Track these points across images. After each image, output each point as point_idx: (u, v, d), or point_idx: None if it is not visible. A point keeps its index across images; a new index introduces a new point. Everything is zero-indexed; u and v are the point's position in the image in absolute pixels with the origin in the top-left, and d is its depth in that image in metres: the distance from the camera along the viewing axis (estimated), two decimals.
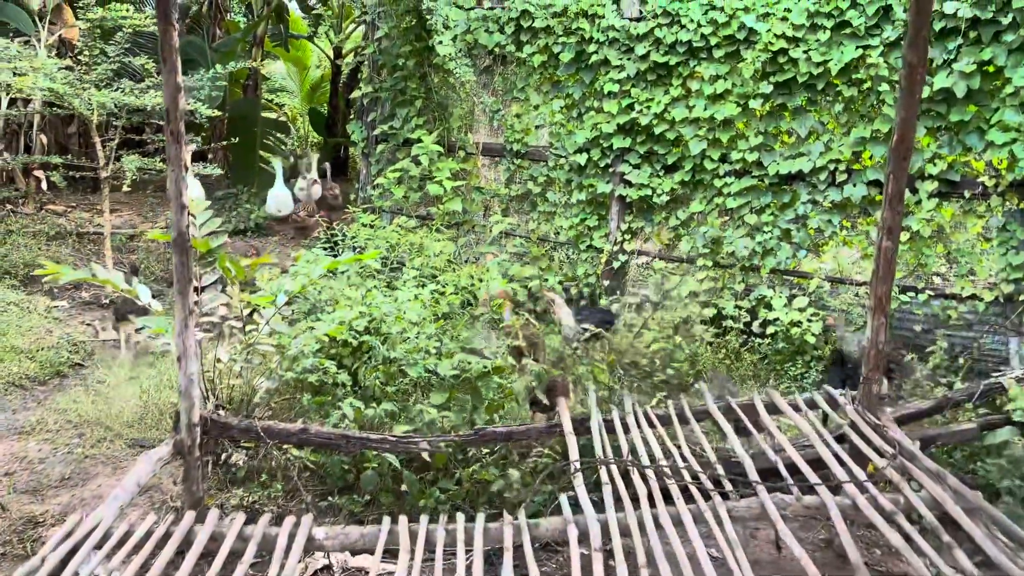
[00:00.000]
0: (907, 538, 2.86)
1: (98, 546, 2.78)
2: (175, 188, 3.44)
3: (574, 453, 3.54)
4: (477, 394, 4.45)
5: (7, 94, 8.71)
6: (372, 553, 2.98)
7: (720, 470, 3.31)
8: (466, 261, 7.83)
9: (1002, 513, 3.00)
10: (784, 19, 6.22)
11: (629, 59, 7.02)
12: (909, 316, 5.89)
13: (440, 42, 7.73)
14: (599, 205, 7.44)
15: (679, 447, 3.68)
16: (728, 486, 3.16)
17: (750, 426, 3.92)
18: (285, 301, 4.54)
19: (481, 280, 6.15)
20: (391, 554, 3.06)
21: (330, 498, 4.06)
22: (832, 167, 6.18)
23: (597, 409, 3.99)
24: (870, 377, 3.75)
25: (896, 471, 3.26)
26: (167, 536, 2.88)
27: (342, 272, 6.18)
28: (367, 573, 3.37)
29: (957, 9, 5.56)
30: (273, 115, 15.23)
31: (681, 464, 3.40)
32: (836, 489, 3.18)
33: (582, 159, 7.35)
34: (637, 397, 4.76)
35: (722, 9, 6.50)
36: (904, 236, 5.86)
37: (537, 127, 7.89)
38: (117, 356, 6.15)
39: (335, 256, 6.76)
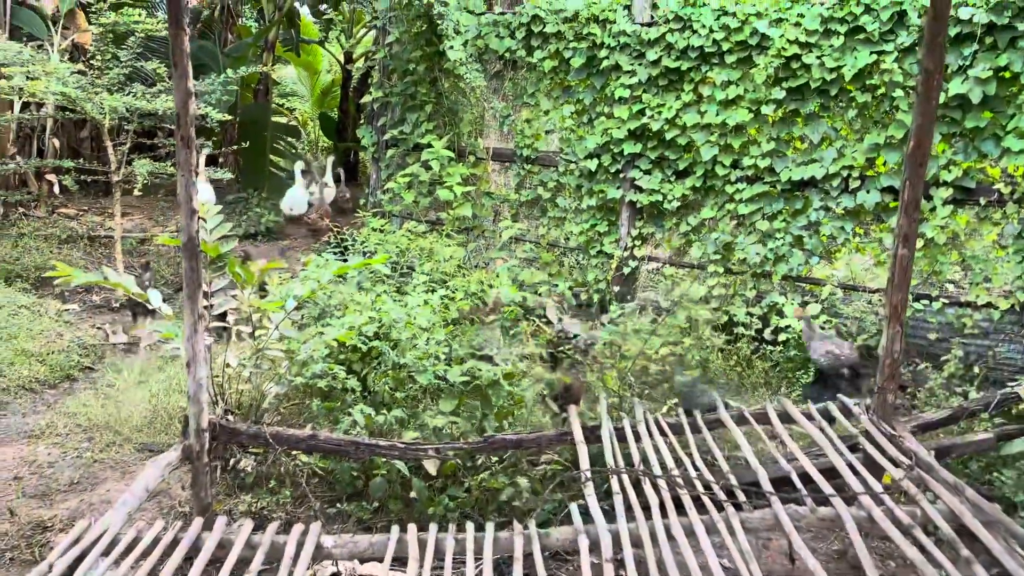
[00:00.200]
0: (924, 551, 2.82)
1: (106, 552, 2.76)
2: (185, 193, 3.44)
3: (585, 462, 3.51)
4: (487, 401, 4.42)
5: (20, 98, 8.75)
6: (381, 562, 2.96)
7: (733, 480, 3.27)
8: (475, 266, 7.81)
9: (1020, 526, 2.95)
10: (797, 25, 6.18)
11: (640, 64, 6.99)
12: (923, 324, 5.83)
13: (451, 47, 7.73)
14: (609, 211, 7.40)
15: (691, 456, 3.65)
16: (741, 497, 3.12)
17: (763, 435, 3.88)
18: (295, 306, 4.52)
19: (492, 286, 6.12)
20: (400, 562, 3.03)
21: (339, 505, 4.04)
22: (845, 173, 6.13)
23: (608, 417, 3.95)
24: (885, 387, 3.70)
25: (912, 482, 3.21)
26: (175, 543, 2.86)
27: (352, 277, 6.17)
28: None
29: (973, 15, 5.50)
30: (284, 119, 15.26)
31: (693, 474, 3.36)
32: (851, 500, 3.14)
33: (592, 164, 7.32)
34: (647, 404, 4.72)
35: (734, 15, 6.47)
36: (918, 243, 5.80)
37: (547, 132, 7.87)
38: (127, 359, 6.15)
39: (345, 260, 6.76)
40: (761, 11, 6.36)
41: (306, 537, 2.96)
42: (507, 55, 7.88)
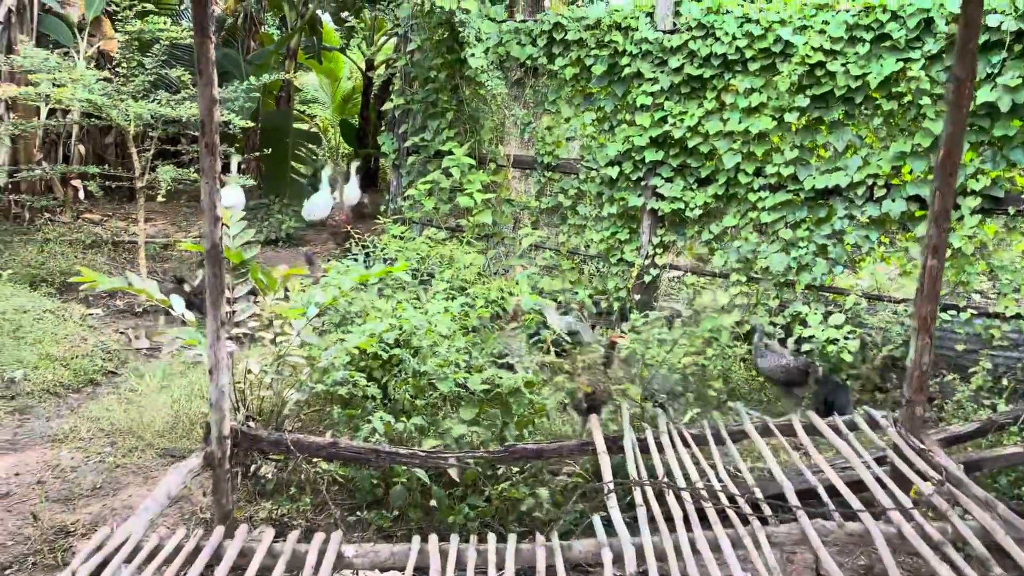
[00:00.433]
0: (954, 568, 2.75)
1: (128, 559, 2.76)
2: (209, 200, 3.45)
3: (607, 473, 3.47)
4: (507, 409, 4.40)
5: (47, 105, 8.86)
6: (402, 571, 2.93)
7: (758, 493, 3.22)
8: (495, 273, 7.80)
9: None
10: (822, 32, 6.13)
11: (663, 72, 6.96)
12: (950, 335, 5.74)
13: (472, 55, 7.73)
14: (630, 218, 7.37)
15: (714, 467, 3.60)
16: (767, 510, 3.07)
17: (786, 446, 3.82)
18: (316, 313, 4.53)
19: (512, 294, 6.10)
20: (421, 572, 3.01)
21: (359, 513, 4.03)
22: (870, 182, 6.05)
23: (630, 428, 3.91)
24: (913, 399, 3.64)
25: (942, 498, 3.14)
26: (197, 551, 2.86)
27: (372, 283, 6.18)
28: None
29: (1001, 22, 5.43)
30: (305, 126, 15.37)
31: (718, 486, 3.32)
32: (879, 515, 3.08)
33: (614, 172, 7.29)
34: (668, 414, 4.68)
35: (758, 22, 6.42)
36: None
37: (568, 139, 7.85)
38: (149, 364, 6.19)
39: (367, 267, 6.77)
40: (785, 18, 6.31)
41: (327, 546, 2.95)
42: (528, 62, 7.87)
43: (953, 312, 5.75)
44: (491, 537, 3.07)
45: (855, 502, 3.12)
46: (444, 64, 8.27)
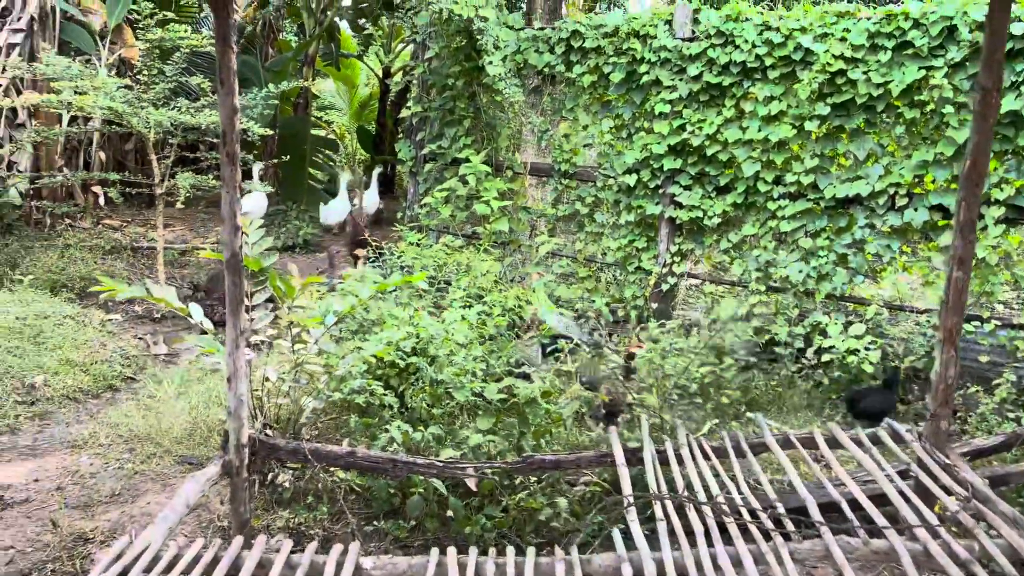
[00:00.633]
0: None
1: (147, 570, 2.76)
2: (229, 209, 3.45)
3: (627, 486, 3.44)
4: (524, 419, 4.38)
5: (68, 112, 8.95)
6: None
7: (780, 508, 3.18)
8: (511, 280, 7.78)
9: None
10: (843, 40, 6.08)
11: (681, 80, 6.93)
12: (974, 346, 5.65)
13: (490, 62, 7.74)
14: (648, 226, 7.33)
15: (735, 480, 3.56)
16: (790, 526, 3.03)
17: (807, 457, 3.78)
18: (335, 321, 4.53)
19: (529, 303, 6.08)
20: None
21: (376, 522, 4.01)
22: (892, 191, 5.99)
23: (649, 439, 3.88)
24: (939, 413, 3.58)
25: (969, 515, 3.09)
26: (215, 561, 2.85)
27: (390, 291, 6.17)
28: None
29: None
30: (322, 132, 15.44)
31: (739, 500, 3.28)
32: (903, 531, 3.03)
33: (631, 180, 7.26)
34: (687, 424, 4.64)
35: (778, 30, 6.38)
36: None
37: (585, 145, 7.83)
38: (167, 370, 6.21)
39: (383, 276, 6.78)
40: (805, 26, 6.27)
41: (345, 558, 2.93)
42: (546, 70, 7.87)
43: (977, 323, 5.68)
44: (510, 550, 3.05)
45: (880, 518, 3.07)
46: (462, 72, 8.29)
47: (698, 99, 6.88)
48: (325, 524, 4.00)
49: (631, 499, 3.22)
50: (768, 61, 6.45)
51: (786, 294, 6.45)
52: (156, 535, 2.93)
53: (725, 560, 2.84)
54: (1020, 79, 5.43)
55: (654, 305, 7.05)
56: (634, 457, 3.79)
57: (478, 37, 7.84)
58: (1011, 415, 5.07)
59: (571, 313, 6.67)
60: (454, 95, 8.48)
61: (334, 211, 10.64)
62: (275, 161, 11.04)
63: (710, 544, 2.97)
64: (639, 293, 7.22)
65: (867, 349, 5.70)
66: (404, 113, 9.27)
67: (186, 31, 8.48)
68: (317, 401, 4.63)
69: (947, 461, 3.48)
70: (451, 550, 3.00)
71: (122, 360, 6.39)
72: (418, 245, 7.82)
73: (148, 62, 8.37)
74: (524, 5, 12.13)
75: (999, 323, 5.62)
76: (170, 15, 8.90)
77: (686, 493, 3.34)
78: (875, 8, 6.12)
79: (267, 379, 4.53)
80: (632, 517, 3.15)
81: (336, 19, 13.62)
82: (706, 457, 3.76)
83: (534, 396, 4.31)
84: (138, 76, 8.56)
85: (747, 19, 6.57)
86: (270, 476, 4.30)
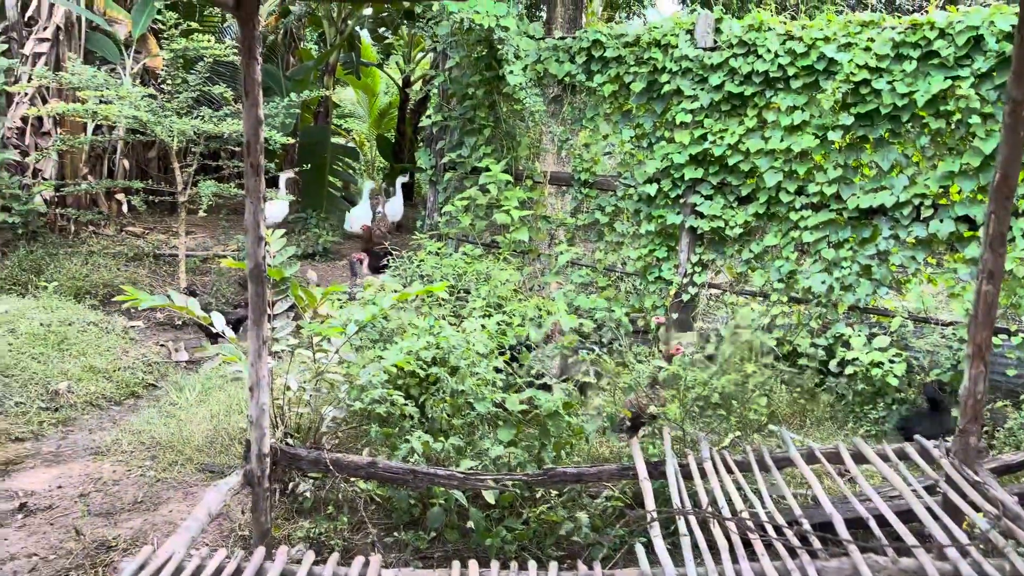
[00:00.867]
0: None
1: None
2: (253, 219, 3.47)
3: (650, 501, 3.41)
4: (545, 431, 4.35)
5: (93, 121, 9.05)
6: None
7: (806, 524, 3.13)
8: (530, 289, 7.77)
9: None
10: (867, 49, 6.03)
11: (703, 89, 6.91)
12: (1001, 359, 5.57)
13: (511, 72, 7.75)
14: (669, 236, 7.30)
15: (759, 494, 3.52)
16: (816, 543, 2.98)
17: (834, 475, 3.72)
18: (356, 331, 4.53)
19: (550, 313, 6.06)
20: None
21: (396, 534, 4.00)
22: (917, 201, 5.93)
23: (672, 453, 3.84)
24: (967, 429, 3.52)
25: (999, 533, 3.03)
26: (238, 572, 2.85)
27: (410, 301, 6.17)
28: None
29: None
30: (342, 140, 15.53)
31: (763, 515, 3.24)
32: (930, 548, 2.97)
33: (652, 189, 7.23)
34: (709, 436, 4.59)
35: (801, 39, 6.35)
36: None
37: (605, 154, 7.82)
38: (189, 378, 6.25)
39: (404, 284, 6.79)
40: (829, 35, 6.23)
41: (367, 570, 2.92)
42: (566, 79, 7.87)
43: (1004, 336, 5.59)
44: (531, 564, 3.03)
45: (909, 536, 3.02)
46: (482, 81, 8.30)
47: (720, 109, 6.85)
48: (345, 535, 4.00)
49: (655, 514, 3.19)
50: (791, 71, 6.41)
51: (808, 305, 6.38)
52: (179, 545, 2.94)
53: None
54: None
55: (674, 315, 7.01)
56: (656, 471, 3.76)
57: (499, 47, 7.86)
58: None
59: (591, 323, 6.65)
60: (474, 104, 8.50)
61: (358, 219, 10.72)
62: (297, 170, 11.10)
63: (735, 560, 2.93)
64: (659, 303, 7.18)
65: (891, 362, 5.63)
66: (424, 122, 9.29)
67: (209, 41, 8.55)
68: (337, 410, 4.63)
69: (976, 478, 3.42)
70: (472, 564, 2.99)
71: (144, 367, 6.44)
72: (437, 254, 7.83)
73: (172, 71, 8.46)
74: (544, 15, 12.15)
75: None
76: (194, 25, 8.99)
77: (710, 508, 3.31)
78: (899, 18, 6.06)
79: (288, 388, 4.54)
80: (656, 532, 3.12)
81: (357, 28, 13.71)
82: (729, 471, 3.72)
83: (556, 408, 4.29)
84: (162, 85, 8.65)
85: (770, 28, 6.54)
86: (290, 485, 4.31)
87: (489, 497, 3.99)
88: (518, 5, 8.38)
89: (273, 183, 10.08)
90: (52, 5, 9.80)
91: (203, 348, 6.02)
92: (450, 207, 8.33)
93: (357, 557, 3.00)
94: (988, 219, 3.43)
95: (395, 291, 5.49)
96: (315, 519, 4.07)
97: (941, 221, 5.83)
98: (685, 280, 7.08)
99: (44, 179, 9.20)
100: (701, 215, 6.98)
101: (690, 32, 7.04)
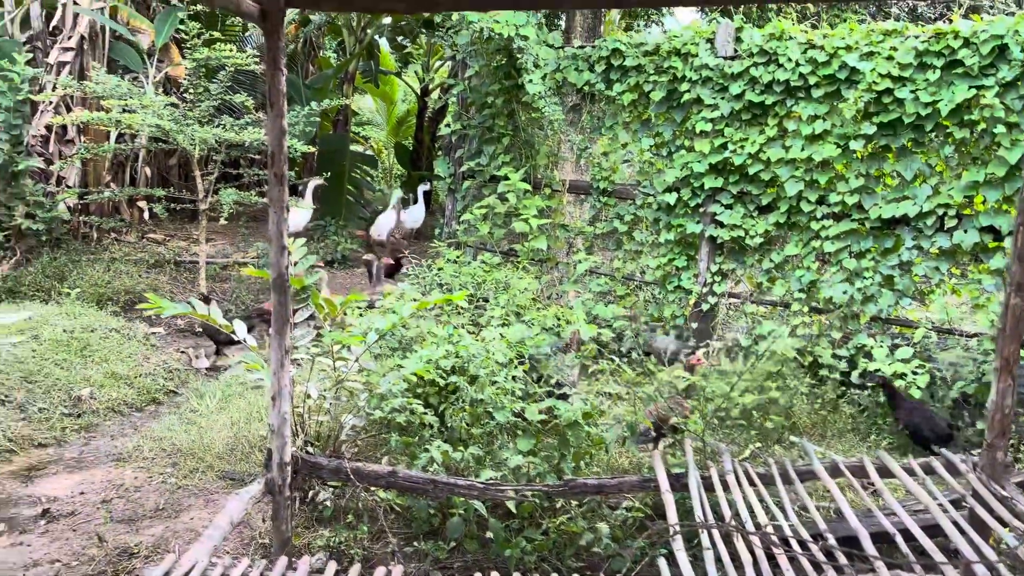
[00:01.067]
0: None
1: None
2: (276, 229, 3.49)
3: (672, 514, 3.38)
4: (565, 441, 4.34)
5: (116, 129, 9.15)
6: None
7: (831, 538, 3.10)
8: (548, 298, 7.76)
9: None
10: (890, 58, 5.99)
11: (723, 98, 6.88)
12: None
13: (530, 81, 7.76)
14: (688, 245, 7.27)
15: (782, 507, 3.49)
16: (842, 558, 2.95)
17: (858, 488, 3.68)
18: (376, 339, 4.54)
19: (569, 322, 6.05)
20: None
21: (415, 543, 3.99)
22: (941, 211, 5.87)
23: (694, 465, 3.82)
24: (995, 443, 3.47)
25: None
26: None
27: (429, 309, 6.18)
28: None
29: None
30: (360, 148, 15.60)
31: (787, 528, 3.20)
32: (961, 566, 2.93)
33: (671, 198, 7.21)
34: (729, 447, 4.56)
35: (822, 48, 6.32)
36: None
37: (624, 162, 7.80)
38: (209, 384, 6.28)
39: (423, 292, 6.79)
40: (851, 44, 6.19)
41: None
42: (585, 88, 7.87)
43: None
44: None
45: (937, 553, 2.98)
46: (501, 90, 8.32)
47: (740, 118, 6.82)
48: (365, 544, 4.00)
49: (678, 528, 3.16)
50: (812, 80, 6.38)
51: (830, 315, 6.33)
52: (202, 553, 2.95)
53: None
54: None
55: (694, 325, 6.98)
56: (678, 483, 3.73)
57: (518, 56, 7.88)
58: None
59: (609, 332, 6.62)
60: (493, 113, 8.51)
61: (382, 226, 10.83)
62: (326, 177, 11.17)
63: (759, 574, 2.90)
64: (679, 312, 7.15)
65: (915, 373, 5.58)
66: (443, 131, 9.32)
67: (231, 50, 8.63)
68: (357, 419, 4.64)
69: (1004, 493, 3.37)
70: (493, 574, 2.97)
71: (165, 373, 6.48)
72: (456, 262, 7.84)
73: (194, 80, 8.54)
74: (563, 24, 12.17)
75: None
76: (216, 34, 9.07)
77: (733, 521, 3.28)
78: (922, 27, 6.02)
79: (308, 396, 4.55)
80: (679, 546, 3.09)
81: (376, 37, 13.79)
82: (752, 483, 3.69)
83: (576, 418, 4.27)
84: (184, 94, 8.73)
85: (791, 38, 6.52)
86: (310, 494, 4.31)
87: (509, 507, 3.98)
88: (537, 15, 8.38)
89: (292, 191, 10.14)
90: (77, 15, 9.93)
91: (226, 356, 6.06)
92: (468, 215, 8.34)
93: (379, 567, 3.00)
94: (1016, 231, 3.39)
95: (414, 299, 5.51)
96: (335, 528, 4.07)
97: (965, 231, 5.77)
98: (705, 289, 7.05)
99: (68, 187, 9.32)
100: (721, 224, 6.95)
101: (710, 41, 7.03)
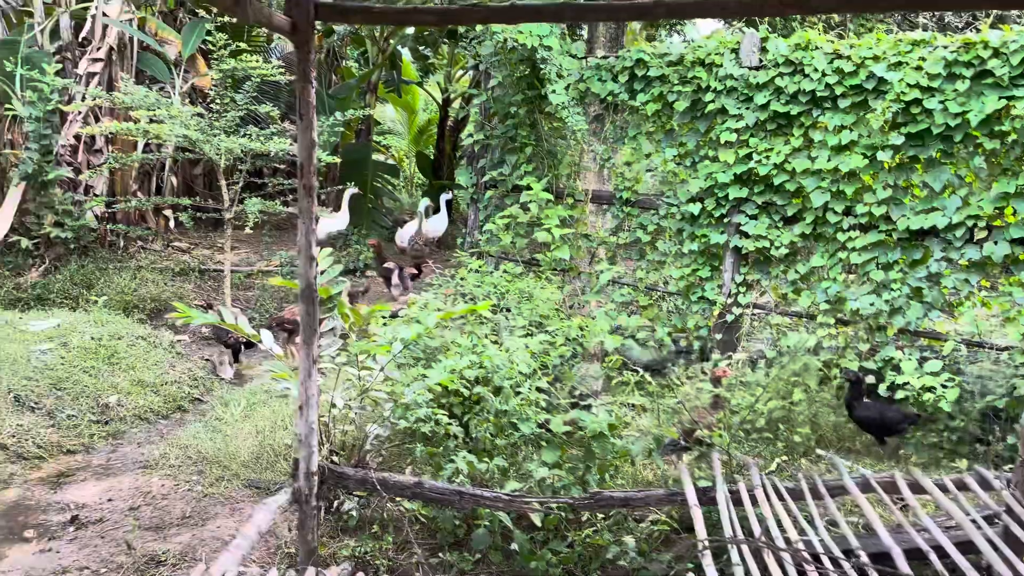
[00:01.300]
0: None
1: None
2: (304, 240, 3.51)
3: (701, 529, 3.35)
4: (590, 453, 4.32)
5: (143, 139, 9.27)
6: None
7: (864, 556, 3.06)
8: (571, 308, 7.74)
9: None
10: (918, 68, 5.93)
11: (748, 108, 6.85)
12: None
13: (553, 91, 7.77)
14: (712, 256, 7.23)
15: (812, 523, 3.45)
16: None
17: (889, 503, 3.63)
18: (400, 350, 4.55)
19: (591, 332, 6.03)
20: None
21: (440, 554, 3.99)
22: (970, 223, 5.79)
23: (722, 479, 3.78)
24: None
25: None
26: None
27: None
28: None
29: None
30: (382, 157, 15.68)
31: (818, 546, 3.16)
32: None
33: (695, 208, 7.18)
34: (756, 461, 4.52)
35: (849, 58, 6.27)
36: None
37: (647, 171, 7.78)
38: (233, 392, 6.32)
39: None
40: (878, 54, 6.14)
41: None
42: (608, 98, 7.86)
43: None
44: None
45: (970, 570, 2.93)
46: (524, 100, 8.34)
47: (765, 128, 6.79)
48: (390, 554, 4.00)
49: (707, 543, 3.13)
50: (838, 90, 6.33)
51: (856, 327, 6.26)
52: (230, 563, 2.96)
53: None
54: None
55: (718, 336, 6.93)
56: (705, 496, 3.70)
57: (541, 66, 7.89)
58: None
59: (632, 343, 6.60)
60: (516, 123, 8.53)
61: (406, 234, 10.92)
62: (340, 188, 11.22)
63: None
64: (702, 323, 7.10)
65: (944, 387, 5.50)
66: (465, 140, 9.35)
67: (257, 61, 8.71)
68: (382, 428, 4.65)
69: None
70: None
71: (190, 381, 6.54)
72: (478, 271, 7.85)
73: (220, 91, 8.63)
74: (586, 34, 12.18)
75: None
76: (242, 45, 9.17)
77: (763, 537, 3.24)
78: (951, 36, 5.96)
79: (333, 405, 4.57)
80: (708, 561, 3.06)
81: (398, 47, 13.87)
82: (780, 498, 3.65)
83: (601, 430, 4.25)
84: (210, 104, 8.83)
85: (817, 48, 6.48)
86: (335, 503, 4.33)
87: (535, 519, 3.97)
88: (561, 25, 8.38)
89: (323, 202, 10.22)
90: (105, 26, 10.09)
91: (251, 366, 6.10)
92: (491, 225, 8.35)
93: None
94: None
95: (439, 309, 5.52)
96: (360, 538, 4.08)
97: (996, 243, 5.69)
98: (729, 300, 7.00)
99: (95, 195, 9.44)
100: (745, 235, 6.90)
101: (735, 51, 7.00)
